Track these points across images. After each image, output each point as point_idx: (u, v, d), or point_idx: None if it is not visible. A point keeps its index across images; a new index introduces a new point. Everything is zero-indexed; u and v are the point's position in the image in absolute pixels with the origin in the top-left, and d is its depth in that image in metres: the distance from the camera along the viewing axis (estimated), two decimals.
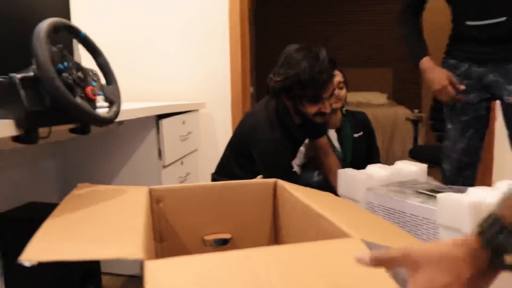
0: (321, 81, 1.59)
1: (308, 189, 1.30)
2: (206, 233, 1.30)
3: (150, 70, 2.69)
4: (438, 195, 1.29)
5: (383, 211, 1.48)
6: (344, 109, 2.25)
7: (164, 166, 1.99)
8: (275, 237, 1.37)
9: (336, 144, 2.22)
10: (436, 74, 1.77)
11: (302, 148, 2.21)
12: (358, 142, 2.24)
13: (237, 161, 1.86)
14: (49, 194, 2.07)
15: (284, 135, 1.74)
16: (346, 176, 1.60)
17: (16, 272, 1.57)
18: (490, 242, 0.62)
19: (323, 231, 0.97)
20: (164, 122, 1.96)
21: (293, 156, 1.93)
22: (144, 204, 1.05)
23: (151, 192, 1.25)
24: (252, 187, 1.32)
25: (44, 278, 1.62)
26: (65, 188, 2.08)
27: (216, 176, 1.96)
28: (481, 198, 1.25)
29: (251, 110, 1.89)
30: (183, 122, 2.21)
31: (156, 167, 1.96)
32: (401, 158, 4.41)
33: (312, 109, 1.68)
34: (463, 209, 1.22)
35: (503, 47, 1.70)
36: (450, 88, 1.74)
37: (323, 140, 2.04)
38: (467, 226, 1.22)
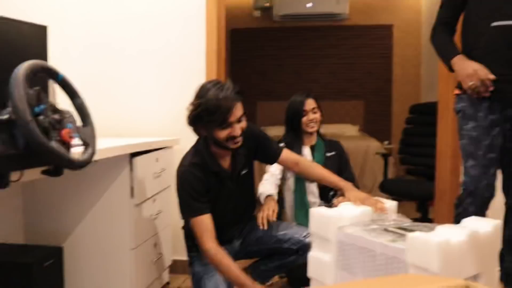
0: (226, 107, 1.74)
1: None
2: None
3: (124, 105, 2.70)
4: (407, 235, 1.33)
5: (354, 250, 1.51)
6: (319, 130, 2.56)
7: (136, 205, 1.98)
8: None
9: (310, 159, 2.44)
10: (465, 65, 1.82)
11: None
12: (330, 161, 2.47)
13: None
14: (15, 235, 2.03)
15: (199, 164, 1.88)
16: (318, 215, 1.63)
17: None
18: None
19: None
20: (138, 160, 1.97)
21: (208, 187, 1.91)
22: None
23: None
24: None
25: None
26: (33, 229, 2.04)
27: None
28: (448, 237, 1.29)
29: None
30: (157, 159, 2.21)
31: (127, 206, 1.95)
32: (372, 191, 4.48)
33: (222, 134, 1.80)
34: (431, 248, 1.25)
35: None
36: (483, 71, 1.78)
37: (285, 157, 2.08)
38: (435, 265, 1.25)
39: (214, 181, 1.93)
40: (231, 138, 1.82)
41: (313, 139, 2.56)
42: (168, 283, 2.54)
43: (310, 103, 2.53)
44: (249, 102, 6.53)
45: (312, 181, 2.37)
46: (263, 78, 6.48)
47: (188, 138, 2.56)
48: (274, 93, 6.48)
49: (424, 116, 3.47)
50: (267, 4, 6.24)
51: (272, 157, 2.10)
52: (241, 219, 2.14)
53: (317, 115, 2.52)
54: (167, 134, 2.62)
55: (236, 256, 2.15)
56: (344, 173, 2.47)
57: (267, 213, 2.10)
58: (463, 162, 1.94)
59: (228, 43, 6.44)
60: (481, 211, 1.88)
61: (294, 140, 2.53)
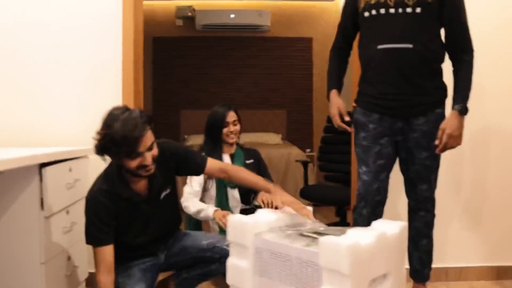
0: (133, 138, 1.68)
1: None
2: None
3: (36, 113, 2.56)
4: (320, 239, 1.37)
5: (270, 255, 1.53)
6: (238, 141, 2.68)
7: (46, 217, 1.88)
8: None
9: None
10: (332, 104, 2.10)
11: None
12: (249, 168, 2.48)
13: None
14: None
15: (108, 190, 1.84)
16: (235, 222, 1.63)
17: None
18: None
19: None
20: (48, 170, 1.87)
21: (117, 214, 1.88)
22: None
23: None
24: None
25: None
26: None
27: None
28: (358, 240, 1.35)
29: None
30: (70, 169, 2.11)
31: (37, 218, 1.84)
32: (294, 197, 4.58)
33: (132, 164, 1.75)
34: (341, 251, 1.30)
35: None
36: (337, 117, 2.05)
37: (211, 166, 2.06)
38: (346, 267, 1.30)
39: (125, 207, 1.88)
40: (142, 167, 1.78)
41: (233, 148, 2.68)
42: None
43: (232, 116, 2.62)
44: (172, 111, 6.45)
45: (240, 185, 2.38)
46: (187, 86, 6.43)
47: None
48: (197, 101, 6.45)
49: None
50: (190, 14, 6.23)
51: (197, 170, 2.08)
52: (165, 235, 2.11)
53: (238, 127, 2.64)
54: (82, 143, 2.51)
55: (160, 268, 2.11)
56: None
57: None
58: (357, 169, 2.11)
59: (150, 51, 6.33)
60: (373, 214, 2.03)
61: (214, 149, 2.61)
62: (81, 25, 2.57)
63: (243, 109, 6.46)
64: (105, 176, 1.88)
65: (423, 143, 1.99)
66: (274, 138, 6.07)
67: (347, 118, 2.05)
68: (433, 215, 2.13)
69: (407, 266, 2.09)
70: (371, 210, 2.03)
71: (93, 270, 2.44)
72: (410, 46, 1.88)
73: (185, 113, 6.46)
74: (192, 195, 2.59)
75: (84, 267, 2.37)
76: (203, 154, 2.47)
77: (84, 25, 2.57)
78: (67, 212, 2.12)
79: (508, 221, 2.73)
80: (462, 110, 1.90)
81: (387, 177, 2.08)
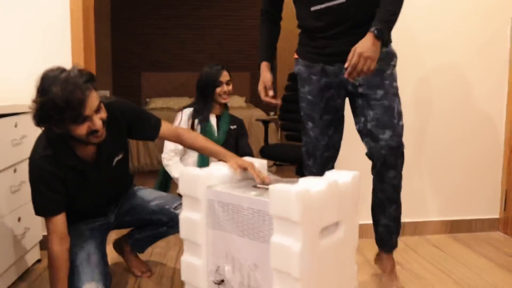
0: (76, 101, 1.50)
1: None
2: None
3: None
4: (270, 187, 1.35)
5: (222, 207, 1.51)
6: (227, 103, 2.70)
7: None
8: None
9: (214, 127, 2.62)
10: (261, 78, 2.04)
11: None
12: (232, 132, 2.67)
13: None
14: None
15: (52, 156, 1.67)
16: (187, 175, 1.60)
17: None
18: None
19: None
20: None
21: (65, 180, 1.72)
22: None
23: None
24: None
25: None
26: None
27: None
28: (308, 187, 1.33)
29: None
30: (16, 125, 2.01)
31: None
32: (256, 156, 4.59)
33: (81, 131, 1.58)
34: (291, 198, 1.29)
35: (345, 40, 1.79)
36: (262, 92, 2.02)
37: (165, 130, 1.92)
38: (296, 214, 1.29)
39: (72, 174, 1.71)
40: (92, 132, 1.60)
41: (220, 110, 2.69)
42: (39, 260, 2.37)
43: (225, 75, 2.64)
44: (133, 73, 6.29)
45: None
46: (148, 48, 6.26)
47: None
48: (159, 63, 6.31)
49: None
50: None
51: (151, 134, 1.91)
52: (116, 198, 2.05)
53: (230, 87, 2.66)
54: (30, 99, 2.40)
55: (110, 227, 2.07)
56: (242, 146, 2.70)
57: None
58: (304, 124, 2.01)
59: (109, 9, 6.09)
60: (323, 172, 1.76)
61: (204, 108, 2.60)
62: None
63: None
64: (47, 140, 1.68)
65: (374, 82, 1.82)
66: (238, 100, 6.02)
67: (270, 93, 2.00)
68: (401, 176, 1.89)
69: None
70: (320, 168, 1.96)
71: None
72: (343, 1, 1.76)
73: (146, 75, 6.31)
74: (174, 153, 2.56)
75: (37, 229, 2.31)
76: (191, 110, 2.57)
77: None
78: (15, 171, 2.04)
79: (459, 176, 2.80)
80: (378, 33, 1.64)
81: (336, 133, 1.99)
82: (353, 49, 1.65)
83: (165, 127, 1.92)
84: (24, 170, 2.12)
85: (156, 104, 5.89)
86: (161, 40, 6.25)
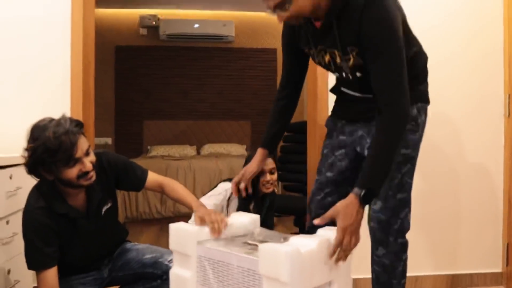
0: (68, 143, 1.59)
1: None
2: None
3: None
4: (260, 246, 1.33)
5: (212, 264, 1.48)
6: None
7: None
8: None
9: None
10: (245, 167, 2.04)
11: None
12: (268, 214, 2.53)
13: None
14: None
15: (45, 208, 1.70)
16: (177, 230, 1.58)
17: None
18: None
19: None
20: None
21: (58, 231, 1.74)
22: None
23: None
24: None
25: None
26: None
27: None
28: (298, 247, 1.31)
29: None
30: (10, 177, 2.02)
31: None
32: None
33: (72, 173, 1.64)
34: (281, 258, 1.27)
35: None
36: (233, 184, 1.99)
37: (151, 181, 1.95)
38: (285, 275, 1.26)
39: (64, 224, 1.74)
40: (83, 174, 1.66)
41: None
42: None
43: (269, 163, 2.37)
44: (135, 121, 6.36)
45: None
46: (149, 97, 6.37)
47: None
48: (161, 112, 6.39)
49: (299, 134, 3.61)
50: (154, 23, 6.18)
51: (137, 184, 1.96)
52: (108, 250, 2.02)
53: (275, 176, 2.44)
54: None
55: (103, 283, 2.02)
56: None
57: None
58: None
59: (113, 60, 6.24)
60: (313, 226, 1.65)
61: (248, 200, 2.38)
62: (29, 28, 2.48)
63: (206, 119, 6.53)
64: (39, 192, 1.74)
65: None
66: (238, 149, 6.05)
67: (242, 186, 1.96)
68: (398, 256, 1.72)
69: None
70: (311, 218, 1.89)
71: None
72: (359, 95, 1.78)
73: (147, 123, 6.38)
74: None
75: (27, 281, 2.26)
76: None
77: (31, 28, 2.48)
78: (7, 222, 2.02)
79: (457, 231, 2.77)
80: (363, 199, 1.45)
81: (335, 193, 1.87)
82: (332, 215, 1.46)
83: (151, 178, 1.97)
84: (17, 221, 2.10)
85: (157, 151, 5.92)
86: (162, 90, 6.36)
